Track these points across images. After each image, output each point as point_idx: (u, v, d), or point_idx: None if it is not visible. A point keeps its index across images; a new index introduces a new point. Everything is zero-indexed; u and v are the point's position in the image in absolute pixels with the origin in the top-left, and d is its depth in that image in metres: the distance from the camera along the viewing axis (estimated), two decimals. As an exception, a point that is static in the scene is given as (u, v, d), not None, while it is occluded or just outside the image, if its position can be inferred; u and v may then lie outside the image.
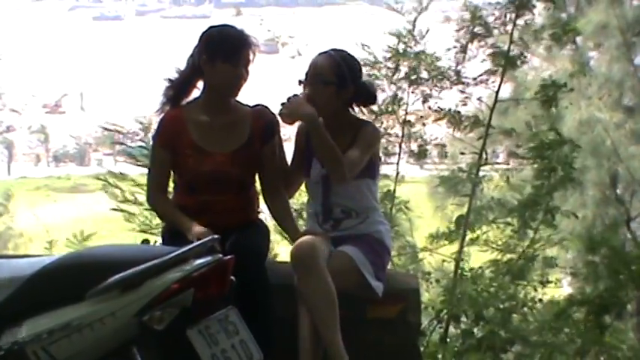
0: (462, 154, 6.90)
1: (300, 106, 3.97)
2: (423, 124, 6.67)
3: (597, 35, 10.22)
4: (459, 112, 6.48)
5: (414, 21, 6.52)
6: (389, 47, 6.46)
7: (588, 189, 10.52)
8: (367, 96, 4.31)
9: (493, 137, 6.63)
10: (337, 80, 4.11)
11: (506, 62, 6.31)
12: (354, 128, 4.16)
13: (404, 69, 6.51)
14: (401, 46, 6.47)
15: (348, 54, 4.31)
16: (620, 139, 10.49)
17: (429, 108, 6.57)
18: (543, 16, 6.96)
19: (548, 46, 6.95)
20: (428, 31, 6.54)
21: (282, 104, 3.98)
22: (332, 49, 4.29)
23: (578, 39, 10.23)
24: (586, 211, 10.46)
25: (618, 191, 10.76)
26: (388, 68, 6.47)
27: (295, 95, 4.03)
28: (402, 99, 6.50)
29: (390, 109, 6.45)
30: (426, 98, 6.54)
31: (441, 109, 6.51)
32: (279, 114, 3.98)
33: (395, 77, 6.48)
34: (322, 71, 4.13)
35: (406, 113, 6.54)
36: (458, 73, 6.46)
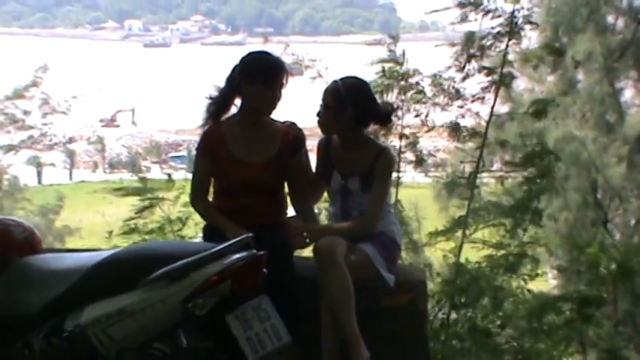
0: (462, 162, 6.86)
1: (313, 233, 3.97)
2: (416, 137, 6.60)
3: (584, 60, 10.20)
4: (458, 123, 6.43)
5: (390, 47, 6.44)
6: (380, 71, 6.44)
7: (570, 194, 10.44)
8: (380, 116, 4.24)
9: (490, 148, 6.58)
10: (335, 104, 4.07)
11: (499, 81, 6.27)
12: (371, 151, 4.12)
13: (395, 91, 6.45)
14: (387, 69, 6.43)
15: (353, 80, 4.23)
16: (598, 151, 10.43)
17: (423, 122, 6.51)
18: (537, 41, 6.93)
19: (537, 69, 6.88)
20: (405, 56, 6.47)
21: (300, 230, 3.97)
22: (341, 77, 4.24)
23: (568, 63, 10.24)
24: (569, 213, 10.38)
25: (598, 196, 10.67)
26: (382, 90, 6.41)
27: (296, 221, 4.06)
28: (397, 115, 6.43)
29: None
30: (422, 114, 6.48)
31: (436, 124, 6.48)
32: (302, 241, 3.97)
33: (389, 96, 6.41)
34: (325, 97, 4.13)
35: (402, 127, 6.48)
36: (457, 90, 6.40)
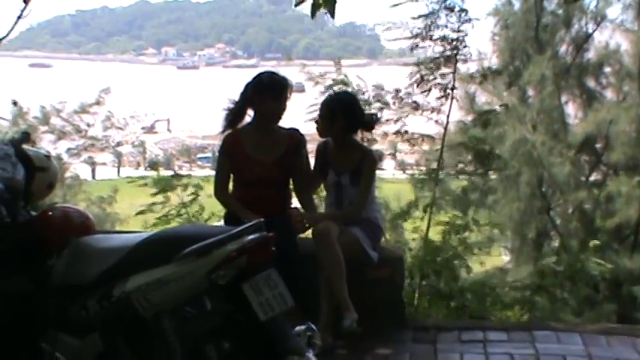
0: (427, 160, 6.88)
1: (311, 220, 4.00)
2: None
3: (536, 80, 10.31)
4: (406, 131, 6.28)
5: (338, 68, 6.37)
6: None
7: (522, 187, 10.47)
8: (365, 124, 4.28)
9: (455, 149, 6.58)
10: (328, 114, 4.09)
11: (448, 95, 6.18)
12: (359, 152, 4.15)
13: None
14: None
15: (344, 95, 4.25)
16: (545, 152, 10.48)
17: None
18: (495, 63, 6.90)
19: (482, 84, 6.89)
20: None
21: (300, 218, 3.99)
22: (336, 92, 4.25)
23: (520, 82, 10.37)
24: (520, 203, 10.42)
25: (543, 189, 10.71)
26: None
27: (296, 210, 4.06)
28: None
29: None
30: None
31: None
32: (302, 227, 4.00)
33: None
34: (321, 107, 4.16)
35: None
36: (415, 102, 6.26)
